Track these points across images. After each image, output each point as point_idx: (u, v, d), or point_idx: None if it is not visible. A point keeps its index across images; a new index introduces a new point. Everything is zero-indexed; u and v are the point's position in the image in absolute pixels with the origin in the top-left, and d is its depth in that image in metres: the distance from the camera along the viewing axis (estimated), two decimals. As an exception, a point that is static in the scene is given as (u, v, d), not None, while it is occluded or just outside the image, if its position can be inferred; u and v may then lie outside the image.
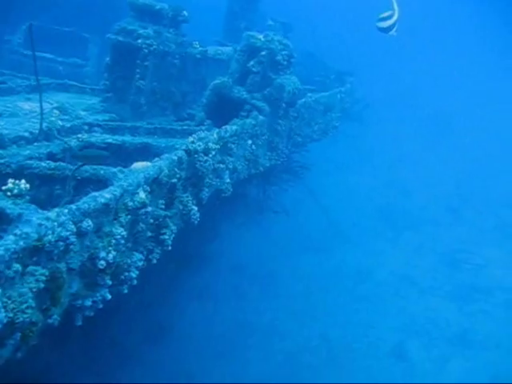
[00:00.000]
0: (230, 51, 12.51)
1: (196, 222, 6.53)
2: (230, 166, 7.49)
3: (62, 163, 6.54)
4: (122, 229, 4.51)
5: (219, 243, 16.05)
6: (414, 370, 17.93)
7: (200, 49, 11.29)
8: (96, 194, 4.37)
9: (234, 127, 7.74)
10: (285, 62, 9.05)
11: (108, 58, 9.86)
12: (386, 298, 20.40)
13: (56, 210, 3.78)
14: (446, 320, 19.88)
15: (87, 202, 4.15)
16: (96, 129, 8.76)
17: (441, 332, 19.43)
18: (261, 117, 8.70)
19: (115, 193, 4.51)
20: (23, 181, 4.52)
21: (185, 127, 8.89)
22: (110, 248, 4.35)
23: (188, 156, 6.24)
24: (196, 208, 6.51)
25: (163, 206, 5.73)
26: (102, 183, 6.33)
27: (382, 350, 18.33)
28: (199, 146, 6.39)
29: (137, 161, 7.05)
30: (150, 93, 10.15)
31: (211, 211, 8.64)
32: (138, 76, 9.74)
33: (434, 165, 27.85)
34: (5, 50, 15.36)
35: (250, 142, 8.38)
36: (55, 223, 3.60)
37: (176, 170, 5.85)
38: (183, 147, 6.28)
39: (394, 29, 10.32)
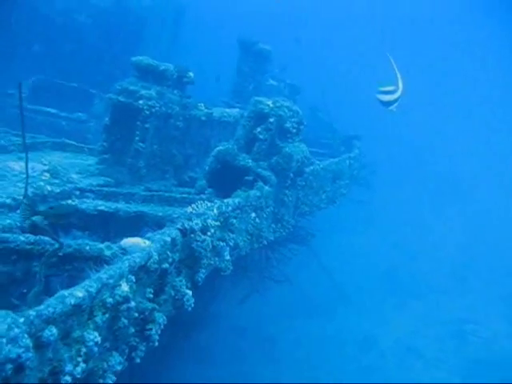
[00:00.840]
0: (236, 114, 11.93)
1: (190, 308, 5.74)
2: (231, 243, 6.73)
3: (44, 237, 5.79)
4: (95, 333, 3.71)
5: (218, 304, 15.22)
6: None
7: (205, 111, 10.69)
8: (65, 292, 3.60)
9: (237, 200, 7.03)
10: (294, 130, 8.41)
11: (107, 119, 9.25)
12: (390, 369, 19.45)
13: (9, 319, 2.99)
14: None
15: (52, 304, 3.37)
16: (88, 194, 8.06)
17: None
18: (266, 187, 7.99)
19: (91, 289, 3.74)
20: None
21: (184, 195, 8.17)
22: (79, 359, 3.54)
23: (183, 236, 5.48)
24: (190, 293, 5.72)
25: (151, 295, 4.93)
26: (87, 261, 5.63)
27: None
28: (196, 224, 5.64)
29: (127, 236, 6.36)
30: (149, 156, 9.50)
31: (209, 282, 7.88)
32: (137, 138, 9.10)
33: (440, 229, 27.12)
34: (7, 103, 14.83)
35: (253, 214, 7.65)
36: (3, 340, 2.82)
37: (168, 253, 5.09)
38: (178, 225, 5.52)
39: (395, 105, 9.73)
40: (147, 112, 9.00)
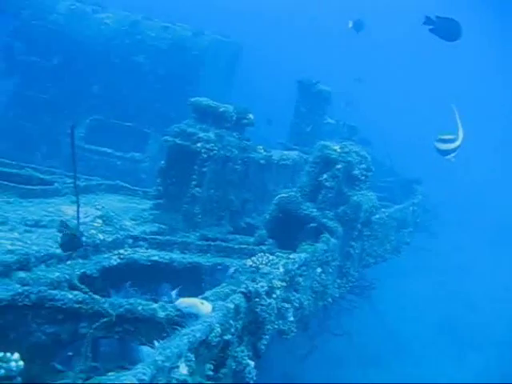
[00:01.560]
0: (295, 157, 11.32)
1: (252, 381, 5.02)
2: (296, 304, 6.00)
3: (93, 295, 5.20)
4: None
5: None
6: None
7: (264, 154, 10.10)
8: (113, 377, 2.94)
9: (303, 256, 6.32)
10: (362, 177, 7.70)
11: (163, 162, 8.72)
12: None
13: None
14: None
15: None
16: (141, 243, 7.49)
17: None
18: (333, 240, 7.26)
19: (144, 378, 3.06)
20: (16, 355, 3.13)
21: (243, 246, 7.51)
22: None
23: (248, 301, 4.80)
24: (252, 364, 5.00)
25: (211, 372, 4.24)
26: (138, 322, 5.02)
27: None
28: (262, 286, 4.95)
29: (182, 293, 5.76)
30: (205, 201, 8.91)
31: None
32: (194, 183, 8.53)
33: (502, 278, 25.72)
34: (65, 143, 14.61)
35: (319, 270, 6.92)
36: None
37: (231, 322, 4.40)
38: (242, 289, 4.84)
39: (454, 154, 9.02)
40: (205, 155, 8.44)
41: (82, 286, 5.50)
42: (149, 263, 7.10)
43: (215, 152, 8.48)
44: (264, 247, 7.46)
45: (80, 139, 15.24)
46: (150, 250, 7.40)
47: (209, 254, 7.45)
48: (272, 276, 5.36)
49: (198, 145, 8.46)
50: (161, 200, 8.76)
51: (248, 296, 4.80)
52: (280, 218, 7.54)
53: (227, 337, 4.36)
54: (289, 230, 7.51)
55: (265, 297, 5.04)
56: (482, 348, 21.77)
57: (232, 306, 4.53)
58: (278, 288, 5.25)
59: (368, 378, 18.26)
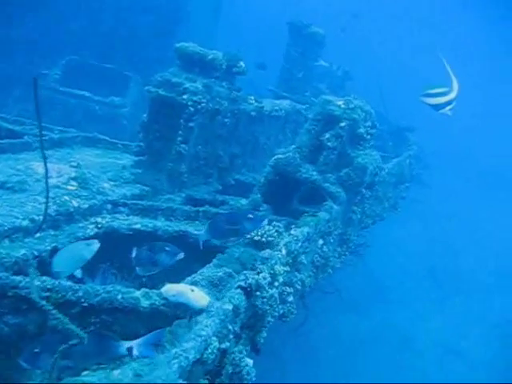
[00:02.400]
0: (287, 107, 10.37)
1: (251, 381, 4.27)
2: (299, 286, 5.22)
3: (65, 283, 4.38)
4: None
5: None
6: None
7: (255, 105, 9.14)
8: None
9: (306, 230, 5.49)
10: (368, 136, 6.82)
11: (145, 115, 7.75)
12: (429, 372, 17.98)
13: None
14: None
15: None
16: (121, 209, 6.61)
17: None
18: (335, 207, 6.44)
19: None
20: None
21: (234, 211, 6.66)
22: None
23: (248, 297, 3.99)
24: (251, 363, 4.24)
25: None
26: (118, 312, 4.22)
27: None
28: (264, 278, 4.14)
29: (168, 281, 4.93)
30: (192, 158, 8.02)
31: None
32: (179, 139, 7.60)
33: (488, 225, 25.33)
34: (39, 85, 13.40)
35: (321, 242, 6.14)
36: None
37: (229, 327, 3.60)
38: (241, 282, 4.02)
39: (450, 107, 8.15)
40: (192, 109, 7.48)
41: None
42: (130, 232, 6.26)
43: (203, 105, 7.52)
44: (259, 213, 6.62)
45: (55, 81, 14.05)
46: (131, 217, 6.54)
47: (197, 222, 6.60)
48: (274, 261, 4.54)
49: (184, 97, 7.48)
50: (143, 157, 7.83)
51: (249, 291, 3.98)
52: (276, 182, 6.68)
53: (225, 345, 3.57)
54: (286, 195, 6.66)
55: (267, 288, 4.23)
56: (465, 293, 21.49)
57: (230, 307, 3.72)
58: (281, 274, 4.43)
59: (349, 323, 17.90)
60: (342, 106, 6.61)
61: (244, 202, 7.61)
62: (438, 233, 24.02)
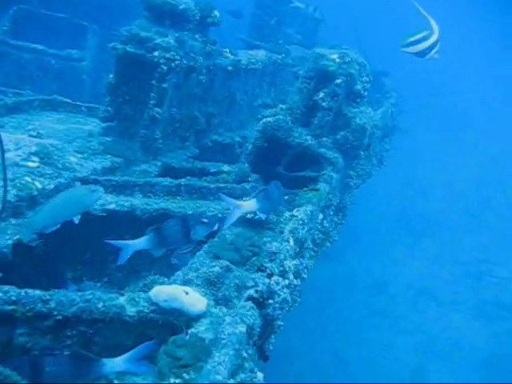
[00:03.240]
0: (264, 58, 9.47)
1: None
2: (305, 275, 4.51)
3: (32, 292, 3.62)
4: None
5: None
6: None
7: (232, 58, 8.23)
8: None
9: (310, 209, 4.74)
10: (365, 93, 6.04)
11: (111, 76, 6.79)
12: (403, 313, 17.93)
13: None
14: (470, 342, 17.40)
15: None
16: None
17: (464, 356, 16.97)
18: (334, 176, 5.70)
19: None
20: None
21: (221, 185, 5.88)
22: None
23: (261, 309, 3.27)
24: (261, 377, 3.55)
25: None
26: (99, 322, 3.49)
27: (402, 374, 15.91)
28: (276, 282, 3.41)
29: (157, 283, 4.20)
30: (167, 122, 7.14)
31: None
32: (152, 102, 6.70)
33: (454, 163, 25.01)
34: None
35: (321, 216, 5.40)
36: None
37: (244, 354, 2.88)
38: (251, 291, 3.30)
39: (435, 50, 7.42)
40: (165, 67, 6.57)
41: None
42: (104, 214, 5.44)
43: (177, 62, 6.61)
44: (247, 185, 5.86)
45: (4, 33, 12.73)
46: (104, 196, 5.68)
47: (179, 198, 5.81)
48: (283, 256, 3.80)
49: (156, 54, 6.55)
50: (111, 123, 6.92)
51: (261, 303, 3.25)
52: (265, 149, 5.91)
53: (240, 378, 2.86)
54: (277, 163, 5.89)
55: (279, 291, 3.51)
56: (435, 235, 21.32)
57: (244, 329, 2.99)
58: (291, 271, 3.71)
59: (325, 269, 17.49)
60: (337, 60, 5.80)
61: (226, 168, 6.84)
62: (409, 176, 23.64)
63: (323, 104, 5.74)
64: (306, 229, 4.46)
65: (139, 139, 6.80)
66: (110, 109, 6.85)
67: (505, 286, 19.73)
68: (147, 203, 5.64)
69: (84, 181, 5.76)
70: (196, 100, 7.63)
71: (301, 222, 4.44)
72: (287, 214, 4.70)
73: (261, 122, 5.88)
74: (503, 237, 21.67)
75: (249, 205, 4.20)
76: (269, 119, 5.84)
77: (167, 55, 6.55)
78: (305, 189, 5.21)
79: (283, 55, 10.38)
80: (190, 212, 5.63)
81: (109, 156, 6.49)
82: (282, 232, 4.18)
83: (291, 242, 4.08)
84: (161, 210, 5.59)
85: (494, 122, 26.44)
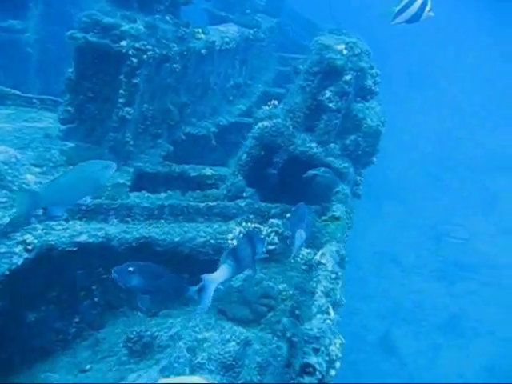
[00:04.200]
0: (237, 36, 8.34)
1: None
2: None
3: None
4: None
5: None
6: (403, 364, 15.33)
7: (204, 39, 7.09)
8: None
9: (335, 248, 3.80)
10: (377, 88, 5.06)
11: (71, 70, 5.60)
12: (367, 279, 17.57)
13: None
14: (434, 304, 17.26)
15: None
16: (57, 212, 4.64)
17: (429, 318, 16.83)
18: (346, 189, 4.75)
19: None
20: None
21: (211, 203, 4.86)
22: None
23: None
24: None
25: None
26: None
27: (368, 341, 15.61)
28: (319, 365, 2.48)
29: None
30: (138, 121, 6.02)
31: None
32: (122, 100, 5.57)
33: (412, 123, 24.47)
34: None
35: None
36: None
37: None
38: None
39: (428, 8, 6.55)
40: (135, 60, 5.43)
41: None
42: (73, 248, 4.39)
43: (150, 53, 5.47)
44: (241, 202, 4.86)
45: None
46: (72, 223, 4.61)
47: (162, 221, 4.77)
48: (328, 340, 2.86)
49: (123, 43, 5.40)
50: (73, 124, 5.75)
51: None
52: (262, 158, 4.87)
53: None
54: (276, 175, 4.89)
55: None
56: (396, 197, 20.92)
57: None
58: (339, 358, 2.78)
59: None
60: (345, 51, 4.78)
61: (208, 171, 5.85)
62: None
63: (330, 105, 4.74)
64: (340, 283, 3.51)
65: (107, 144, 5.67)
66: (70, 108, 5.68)
67: (464, 246, 19.57)
68: (125, 231, 4.60)
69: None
70: (169, 91, 6.52)
71: (334, 276, 3.48)
72: (306, 251, 3.74)
73: (256, 126, 4.84)
74: (462, 198, 21.42)
75: (219, 275, 3.26)
76: (265, 123, 4.80)
77: (137, 45, 5.40)
78: (323, 218, 4.25)
79: (255, 29, 9.23)
80: (177, 239, 4.64)
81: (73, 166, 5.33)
82: (313, 293, 3.21)
83: (331, 313, 3.13)
84: (142, 239, 4.60)
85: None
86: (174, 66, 6.22)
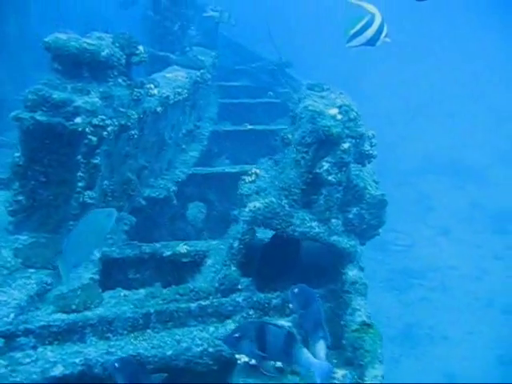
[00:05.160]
0: (187, 83, 7.63)
1: None
2: None
3: None
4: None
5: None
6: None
7: (158, 96, 6.33)
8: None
9: (381, 372, 3.15)
10: (375, 151, 4.46)
11: (18, 155, 4.72)
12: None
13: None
14: (387, 315, 16.91)
15: None
16: (23, 342, 3.84)
17: (384, 330, 16.40)
18: (363, 277, 4.13)
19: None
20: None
21: (204, 302, 4.12)
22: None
23: None
24: None
25: None
26: None
27: None
28: None
29: None
30: (99, 200, 5.18)
31: None
32: (81, 184, 4.73)
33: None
34: None
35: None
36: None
37: None
38: None
39: (385, 33, 6.07)
40: (94, 138, 4.61)
41: None
42: (48, 387, 3.57)
43: (110, 129, 4.66)
44: (238, 296, 4.14)
45: None
46: (41, 351, 3.76)
47: (149, 331, 3.98)
48: None
49: (78, 120, 4.59)
50: (22, 214, 4.86)
51: None
52: (256, 243, 4.15)
53: None
54: (274, 259, 4.20)
55: None
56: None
57: None
58: None
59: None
60: (339, 116, 4.15)
61: (183, 248, 5.12)
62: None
63: (329, 178, 4.11)
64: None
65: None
66: (20, 198, 4.78)
67: (408, 252, 19.40)
68: (108, 351, 3.77)
69: (8, 335, 3.76)
70: (127, 159, 5.70)
71: None
72: (340, 374, 3.06)
73: (247, 209, 4.13)
74: (399, 202, 21.28)
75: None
76: (257, 205, 4.11)
77: (95, 121, 4.60)
78: (354, 328, 3.57)
79: (202, 71, 8.53)
80: (170, 352, 3.88)
81: (32, 272, 4.46)
82: None
83: None
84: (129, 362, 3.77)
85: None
86: (132, 133, 5.42)
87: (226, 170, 7.80)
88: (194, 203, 7.66)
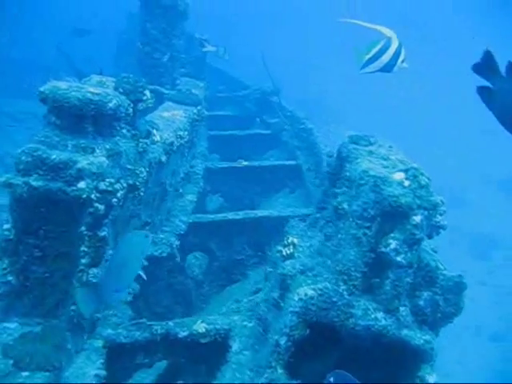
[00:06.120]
0: (185, 122, 6.80)
1: None
2: None
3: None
4: None
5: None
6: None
7: (161, 141, 5.46)
8: None
9: None
10: (445, 222, 3.65)
11: (7, 227, 3.76)
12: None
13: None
14: None
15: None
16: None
17: None
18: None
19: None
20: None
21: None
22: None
23: None
24: None
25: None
26: None
27: None
28: None
29: None
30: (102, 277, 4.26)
31: None
32: (85, 261, 3.82)
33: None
34: None
35: None
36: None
37: None
38: None
39: (402, 58, 5.40)
40: (101, 207, 3.69)
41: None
42: None
43: (120, 194, 3.74)
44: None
45: None
46: None
47: None
48: None
49: (82, 185, 3.68)
50: (14, 296, 3.90)
51: None
52: (308, 339, 3.28)
53: None
54: (330, 358, 3.32)
55: None
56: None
57: None
58: None
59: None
60: (406, 183, 3.31)
61: (201, 327, 4.29)
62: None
63: (398, 259, 3.26)
64: None
65: (67, 320, 3.86)
66: (10, 278, 3.81)
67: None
68: None
69: None
70: (131, 219, 4.78)
71: None
72: None
73: (296, 297, 3.26)
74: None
75: None
76: (309, 292, 3.27)
77: (102, 186, 3.68)
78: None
79: (199, 107, 7.70)
80: None
81: (26, 376, 3.49)
82: None
83: None
84: None
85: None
86: (141, 193, 4.51)
87: (229, 218, 6.95)
88: (193, 254, 6.83)
